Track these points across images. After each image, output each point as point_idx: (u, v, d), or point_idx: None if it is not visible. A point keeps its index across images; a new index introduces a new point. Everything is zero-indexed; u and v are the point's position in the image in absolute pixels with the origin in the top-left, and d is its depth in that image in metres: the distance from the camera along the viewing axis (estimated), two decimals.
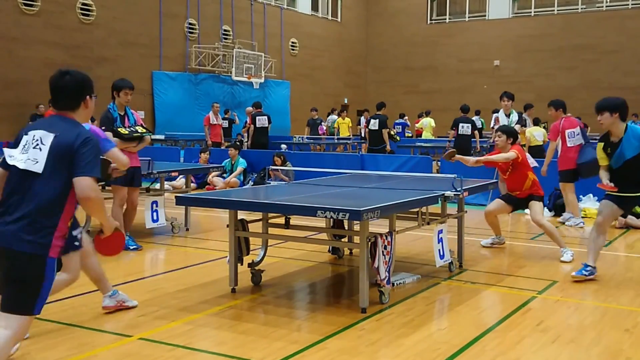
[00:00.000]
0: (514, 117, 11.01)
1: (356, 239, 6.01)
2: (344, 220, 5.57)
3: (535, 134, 13.57)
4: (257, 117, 16.26)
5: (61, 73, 3.67)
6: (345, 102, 31.76)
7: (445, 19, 32.72)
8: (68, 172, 3.40)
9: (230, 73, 24.89)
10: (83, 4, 20.24)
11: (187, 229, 8.80)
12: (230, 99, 24.87)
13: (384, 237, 5.25)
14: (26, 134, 3.60)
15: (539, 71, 29.35)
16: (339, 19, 32.30)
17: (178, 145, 19.23)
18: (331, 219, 5.39)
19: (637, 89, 27.07)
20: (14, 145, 3.65)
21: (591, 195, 10.65)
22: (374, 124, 14.83)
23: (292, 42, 29.11)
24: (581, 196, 10.68)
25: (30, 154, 3.47)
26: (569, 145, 9.25)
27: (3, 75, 18.06)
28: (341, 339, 4.51)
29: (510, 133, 7.36)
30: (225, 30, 25.63)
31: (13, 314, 3.30)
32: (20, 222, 3.31)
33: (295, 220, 6.30)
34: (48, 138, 3.46)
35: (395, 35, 32.98)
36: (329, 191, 6.22)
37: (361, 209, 4.72)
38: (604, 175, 6.14)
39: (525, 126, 12.56)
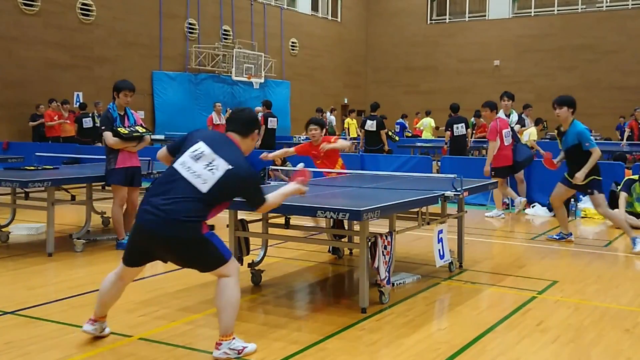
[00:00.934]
0: (514, 117, 11.02)
1: (356, 239, 6.01)
2: (344, 220, 5.57)
3: (524, 133, 13.60)
4: (269, 118, 16.13)
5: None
6: (345, 102, 31.77)
7: (445, 19, 32.72)
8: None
9: (230, 73, 24.88)
10: (83, 4, 20.24)
11: None
12: (230, 99, 24.85)
13: (384, 237, 5.25)
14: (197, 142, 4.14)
15: (539, 71, 29.35)
16: (339, 19, 32.29)
17: None
18: (331, 219, 5.38)
19: (637, 89, 27.09)
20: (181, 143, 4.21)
21: None
22: (372, 125, 14.85)
23: (292, 42, 29.11)
24: (581, 196, 10.68)
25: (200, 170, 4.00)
26: (505, 144, 9.91)
27: (3, 75, 18.05)
28: (341, 339, 4.51)
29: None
30: (225, 30, 25.62)
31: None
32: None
33: (296, 220, 6.30)
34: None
35: (396, 35, 32.98)
36: (329, 191, 6.22)
37: (361, 209, 4.72)
38: (559, 157, 8.19)
39: (524, 126, 12.57)
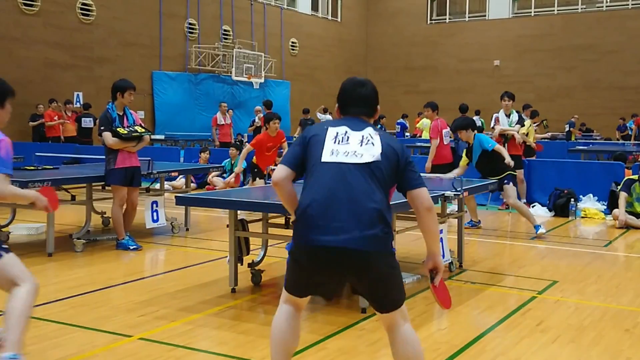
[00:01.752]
0: (514, 117, 11.01)
1: None
2: None
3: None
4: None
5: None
6: None
7: (445, 19, 32.72)
8: None
9: (230, 73, 24.88)
10: (83, 4, 20.24)
11: (187, 229, 8.80)
12: (230, 99, 24.85)
13: None
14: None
15: (539, 71, 29.35)
16: (339, 19, 32.30)
17: (178, 145, 19.24)
18: None
19: (637, 89, 27.09)
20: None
21: (591, 195, 10.66)
22: None
23: (292, 42, 29.11)
24: (581, 196, 10.69)
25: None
26: (445, 143, 10.30)
27: (3, 75, 17.65)
28: (341, 339, 4.51)
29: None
30: (225, 30, 25.63)
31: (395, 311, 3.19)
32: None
33: None
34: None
35: (395, 35, 32.98)
36: None
37: None
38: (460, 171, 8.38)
39: (524, 126, 12.57)
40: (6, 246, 3.81)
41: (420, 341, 3.26)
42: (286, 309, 3.36)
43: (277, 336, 3.32)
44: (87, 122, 16.78)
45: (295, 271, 3.23)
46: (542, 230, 8.48)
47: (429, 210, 3.18)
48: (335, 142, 3.17)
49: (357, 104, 3.35)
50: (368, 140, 3.16)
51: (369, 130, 3.21)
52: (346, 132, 3.20)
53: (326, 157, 3.14)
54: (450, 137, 10.43)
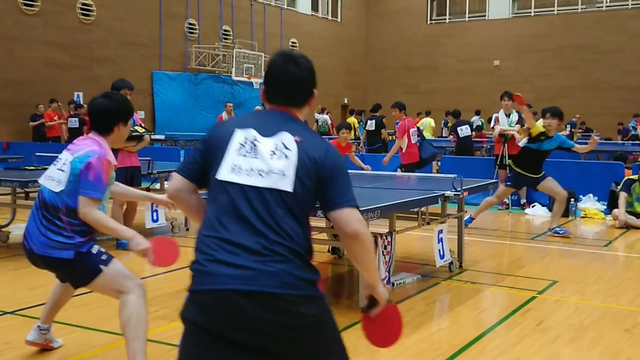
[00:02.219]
0: (514, 117, 11.02)
1: None
2: None
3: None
4: None
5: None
6: (345, 102, 31.76)
7: (445, 19, 32.71)
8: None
9: (230, 73, 24.88)
10: (83, 4, 20.24)
11: (187, 229, 8.80)
12: (230, 99, 24.81)
13: (384, 237, 5.25)
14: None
15: (539, 71, 29.34)
16: (339, 19, 32.29)
17: (178, 145, 19.23)
18: None
19: (637, 89, 27.08)
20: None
21: (591, 195, 10.67)
22: (371, 125, 15.49)
23: (292, 42, 29.11)
24: (581, 196, 10.69)
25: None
26: (413, 142, 10.46)
27: (3, 75, 18.05)
28: None
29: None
30: (225, 30, 25.63)
31: None
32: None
33: None
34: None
35: (395, 35, 32.97)
36: None
37: (361, 208, 4.71)
38: None
39: (524, 126, 12.57)
40: (105, 257, 3.67)
41: None
42: None
43: None
44: (72, 122, 16.42)
45: None
46: (563, 232, 8.63)
47: (354, 237, 2.37)
48: (239, 154, 2.37)
49: (285, 90, 2.55)
50: (281, 152, 2.36)
51: (284, 136, 2.39)
52: (255, 138, 2.39)
53: (224, 173, 2.36)
54: (417, 137, 10.63)
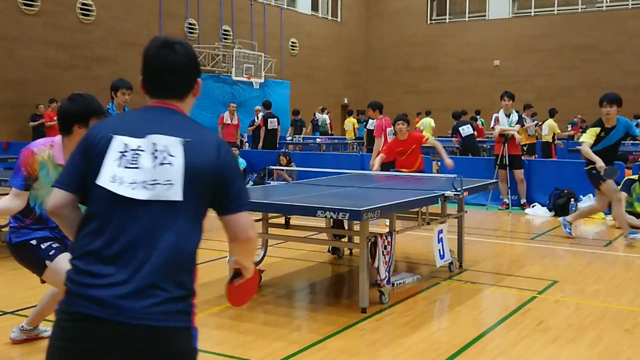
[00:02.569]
0: (514, 116, 11.02)
1: (356, 239, 6.01)
2: (344, 220, 5.57)
3: (543, 126, 13.75)
4: (268, 119, 16.31)
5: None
6: (345, 102, 31.76)
7: (445, 18, 32.71)
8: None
9: (230, 73, 24.87)
10: (83, 4, 20.23)
11: None
12: (230, 99, 24.79)
13: (384, 237, 5.25)
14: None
15: (539, 71, 29.33)
16: (339, 19, 32.28)
17: None
18: (331, 219, 5.38)
19: (637, 89, 27.05)
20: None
21: (591, 195, 10.65)
22: (371, 125, 15.51)
23: (292, 42, 29.10)
24: (581, 196, 10.69)
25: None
26: (389, 141, 10.31)
27: (3, 75, 18.04)
28: (341, 338, 4.51)
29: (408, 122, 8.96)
30: (225, 30, 25.62)
31: None
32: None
33: (296, 220, 6.30)
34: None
35: (395, 35, 32.96)
36: (329, 191, 6.21)
37: (361, 209, 4.72)
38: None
39: (524, 126, 12.60)
40: (52, 252, 3.88)
41: None
42: None
43: None
44: None
45: None
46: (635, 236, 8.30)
47: (246, 241, 2.34)
48: (119, 164, 2.12)
49: (163, 80, 2.34)
50: (164, 158, 2.13)
51: (166, 140, 2.15)
52: (139, 146, 2.14)
53: (105, 181, 2.11)
54: (393, 136, 10.70)
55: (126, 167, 2.12)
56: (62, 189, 2.22)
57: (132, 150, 2.14)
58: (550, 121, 14.55)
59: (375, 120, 10.92)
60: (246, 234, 2.30)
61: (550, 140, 14.77)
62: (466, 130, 14.55)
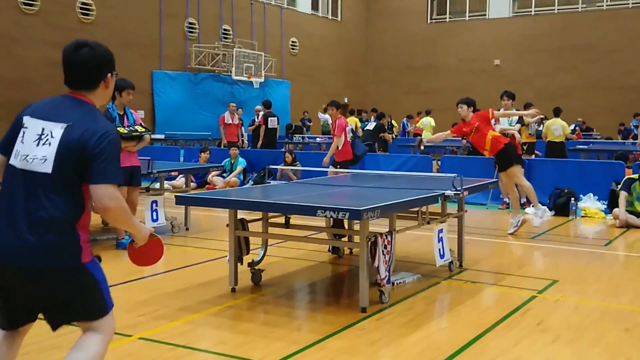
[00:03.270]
0: (514, 116, 11.01)
1: (356, 239, 6.00)
2: (344, 220, 5.57)
3: (553, 128, 13.75)
4: (269, 118, 16.36)
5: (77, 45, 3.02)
6: (346, 101, 31.76)
7: (446, 18, 32.71)
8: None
9: (230, 72, 24.87)
10: (83, 3, 20.23)
11: (187, 229, 8.80)
12: (230, 99, 24.80)
13: (384, 237, 5.25)
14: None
15: (539, 71, 29.33)
16: (339, 19, 32.28)
17: (178, 145, 19.24)
18: (331, 219, 5.38)
19: (637, 89, 27.07)
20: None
21: (591, 194, 10.66)
22: (370, 125, 16.56)
23: (292, 42, 29.09)
24: (581, 195, 10.69)
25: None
26: (348, 139, 10.91)
27: (3, 75, 18.04)
28: (341, 338, 4.51)
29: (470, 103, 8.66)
30: (225, 30, 25.62)
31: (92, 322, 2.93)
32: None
33: (296, 220, 6.30)
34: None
35: (396, 34, 32.97)
36: (329, 190, 6.21)
37: (361, 208, 4.72)
38: None
39: (524, 125, 12.59)
40: None
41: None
42: None
43: None
44: None
45: None
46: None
47: (104, 210, 2.79)
48: (21, 140, 2.85)
49: (72, 75, 2.96)
50: (46, 139, 2.80)
51: (52, 125, 2.81)
52: (36, 127, 2.84)
53: (12, 157, 2.87)
54: (351, 135, 11.15)
55: (23, 142, 2.85)
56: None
57: (25, 129, 2.88)
58: (561, 121, 14.50)
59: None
60: (102, 203, 2.78)
61: (564, 140, 14.75)
62: None
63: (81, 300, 2.86)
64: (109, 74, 3.06)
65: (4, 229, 2.76)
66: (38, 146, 2.79)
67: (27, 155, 2.79)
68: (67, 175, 2.77)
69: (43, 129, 2.81)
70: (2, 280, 2.83)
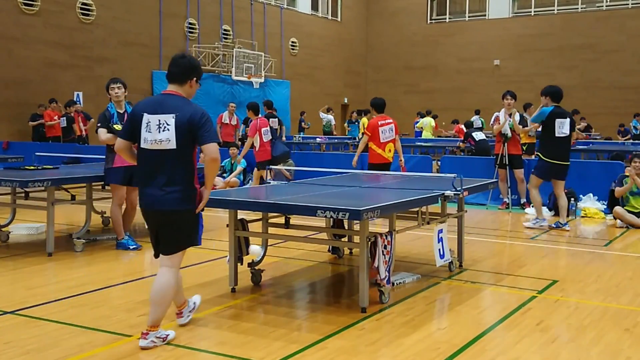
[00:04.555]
0: (516, 117, 11.00)
1: (356, 239, 6.00)
2: (344, 220, 5.56)
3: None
4: (269, 119, 16.37)
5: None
6: (345, 101, 31.76)
7: (446, 18, 32.71)
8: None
9: (230, 73, 24.86)
10: (83, 3, 20.22)
11: None
12: (230, 99, 24.81)
13: (384, 237, 5.25)
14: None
15: (539, 70, 29.31)
16: (339, 19, 32.28)
17: None
18: (331, 219, 5.38)
19: (637, 89, 27.07)
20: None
21: (591, 194, 10.66)
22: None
23: (292, 42, 29.09)
24: (581, 195, 10.69)
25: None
26: (265, 140, 11.52)
27: (3, 75, 18.03)
28: (341, 338, 4.51)
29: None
30: (225, 30, 25.61)
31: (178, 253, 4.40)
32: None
33: (296, 220, 6.30)
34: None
35: (395, 34, 32.96)
36: (329, 191, 6.21)
37: (361, 208, 4.72)
38: None
39: (525, 125, 12.59)
40: None
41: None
42: None
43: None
44: (62, 122, 17.19)
45: None
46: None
47: (214, 160, 4.27)
48: (147, 130, 4.26)
49: (173, 73, 4.40)
50: (164, 126, 4.23)
51: (165, 116, 4.24)
52: (154, 120, 4.25)
53: (142, 143, 4.31)
54: (269, 135, 11.69)
55: (149, 132, 4.29)
56: (123, 138, 4.49)
57: (147, 123, 4.30)
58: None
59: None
60: (212, 155, 4.29)
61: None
62: (479, 135, 15.33)
63: (189, 231, 4.39)
64: (195, 79, 4.43)
65: (151, 188, 4.26)
66: (160, 133, 4.21)
67: (155, 140, 4.22)
68: (186, 146, 4.24)
69: (159, 120, 4.22)
70: (152, 222, 4.39)
